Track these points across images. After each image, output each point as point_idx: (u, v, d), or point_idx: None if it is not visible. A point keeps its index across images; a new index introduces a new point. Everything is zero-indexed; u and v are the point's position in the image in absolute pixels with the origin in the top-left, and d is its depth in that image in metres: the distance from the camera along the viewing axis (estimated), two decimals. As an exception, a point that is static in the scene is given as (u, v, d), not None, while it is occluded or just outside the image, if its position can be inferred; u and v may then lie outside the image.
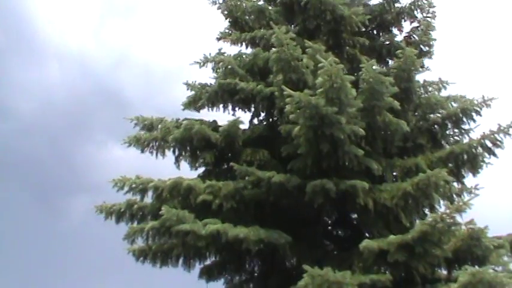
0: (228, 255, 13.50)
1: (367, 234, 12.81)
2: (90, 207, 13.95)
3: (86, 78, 42.21)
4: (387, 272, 11.33)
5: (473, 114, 13.86)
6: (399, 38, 15.70)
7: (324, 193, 11.60)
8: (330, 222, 14.11)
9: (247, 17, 15.52)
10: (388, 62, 15.29)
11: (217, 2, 15.75)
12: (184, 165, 14.39)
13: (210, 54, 14.91)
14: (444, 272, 12.06)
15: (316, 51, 12.62)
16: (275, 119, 13.98)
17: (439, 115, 14.27)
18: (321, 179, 11.60)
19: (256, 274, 14.17)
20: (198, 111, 14.77)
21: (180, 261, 13.68)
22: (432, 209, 12.69)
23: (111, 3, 44.30)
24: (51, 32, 41.50)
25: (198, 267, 14.05)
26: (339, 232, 14.46)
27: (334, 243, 14.14)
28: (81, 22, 44.58)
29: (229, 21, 15.86)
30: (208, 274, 14.22)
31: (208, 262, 14.14)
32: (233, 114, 14.49)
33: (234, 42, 15.41)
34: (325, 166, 11.98)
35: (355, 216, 13.69)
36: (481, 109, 13.80)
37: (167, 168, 14.54)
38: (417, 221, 12.23)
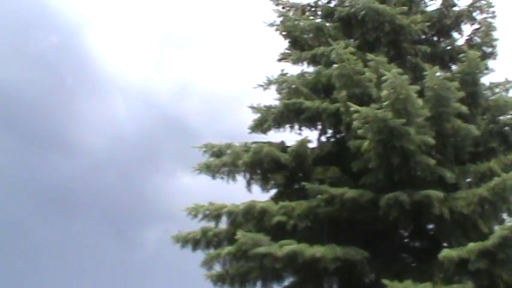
0: (305, 275, 13.37)
1: (445, 244, 12.54)
2: (164, 236, 14.18)
3: (150, 110, 43.06)
4: (469, 281, 11.13)
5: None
6: (460, 42, 15.50)
7: (398, 205, 11.47)
8: (406, 234, 13.86)
9: (305, 36, 15.50)
10: (451, 68, 15.03)
11: (274, 24, 15.79)
12: (255, 188, 14.48)
13: (272, 76, 15.00)
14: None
15: (378, 64, 12.55)
16: (342, 135, 13.88)
17: (509, 116, 13.96)
18: (394, 191, 11.50)
19: (335, 292, 14.04)
20: (265, 133, 14.83)
21: (258, 284, 13.70)
22: (510, 213, 12.42)
23: (169, 35, 45.04)
24: (113, 68, 42.54)
25: (276, 288, 14.02)
26: (416, 244, 14.19)
27: (412, 256, 13.88)
28: (141, 56, 45.49)
29: (288, 42, 15.89)
30: (287, 295, 14.18)
31: (286, 283, 14.05)
32: (300, 134, 14.46)
33: (295, 61, 15.41)
34: (397, 178, 11.86)
35: (431, 226, 13.42)
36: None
37: (237, 192, 14.67)
38: (496, 227, 11.92)
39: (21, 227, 37.05)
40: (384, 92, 11.42)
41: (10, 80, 37.78)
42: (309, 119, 13.99)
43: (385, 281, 10.22)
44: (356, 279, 12.92)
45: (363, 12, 14.08)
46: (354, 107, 11.58)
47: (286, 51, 15.90)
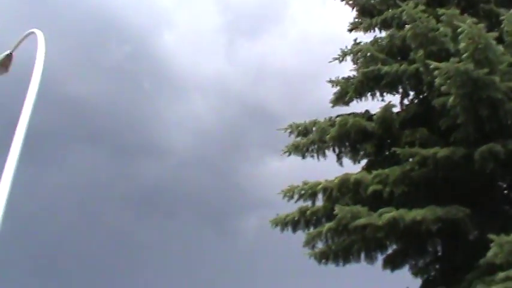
0: (408, 241, 13.29)
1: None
2: (261, 223, 14.31)
3: (229, 101, 43.49)
4: None
5: None
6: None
7: (493, 157, 11.18)
8: (505, 186, 13.50)
9: (373, 1, 15.35)
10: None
11: (340, -4, 15.70)
12: (346, 161, 14.49)
13: (346, 47, 14.93)
14: None
15: (451, 17, 12.22)
16: (425, 94, 13.65)
17: None
18: (487, 144, 11.23)
19: (439, 254, 13.85)
20: (348, 105, 14.77)
21: (362, 256, 13.71)
22: None
23: (235, 24, 45.26)
24: (187, 65, 43.07)
25: (380, 258, 13.98)
26: (518, 194, 13.82)
27: (514, 207, 13.54)
28: (211, 49, 45.90)
29: (356, 10, 15.78)
30: (392, 263, 14.13)
31: (389, 252, 14.04)
32: (382, 100, 14.31)
33: (366, 29, 15.27)
34: (488, 130, 11.55)
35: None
36: None
37: (327, 169, 14.68)
38: None
39: (124, 232, 38.34)
40: (462, 45, 11.13)
41: (91, 94, 39.03)
42: (389, 84, 13.83)
43: (492, 236, 9.96)
44: (460, 238, 12.72)
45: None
46: (433, 64, 11.35)
47: (356, 20, 15.78)
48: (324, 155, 14.54)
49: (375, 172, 12.53)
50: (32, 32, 11.11)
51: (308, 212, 13.72)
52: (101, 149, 41.69)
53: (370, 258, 13.70)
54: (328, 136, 13.77)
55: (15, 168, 8.48)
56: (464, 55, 11.05)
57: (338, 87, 14.90)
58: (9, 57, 11.92)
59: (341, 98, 14.78)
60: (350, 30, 15.72)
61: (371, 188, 12.31)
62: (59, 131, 36.32)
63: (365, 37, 15.26)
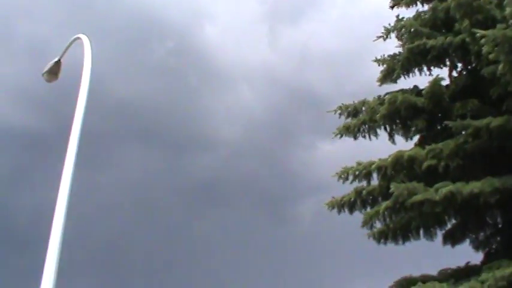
0: (467, 214, 13.17)
1: None
2: (317, 207, 14.32)
3: (275, 88, 43.46)
4: None
5: None
6: None
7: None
8: None
9: (413, -24, 15.13)
10: None
11: (379, -28, 15.53)
12: (398, 139, 14.39)
13: (389, 24, 14.78)
14: None
15: (495, -16, 12.04)
16: (473, 65, 13.43)
17: None
18: (541, 109, 11.01)
19: (500, 226, 13.65)
20: (395, 82, 14.63)
21: (421, 232, 13.62)
22: None
23: (276, 13, 45.12)
24: (231, 56, 43.19)
25: (439, 234, 13.86)
26: None
27: None
28: (254, 38, 45.87)
29: (396, -14, 15.57)
30: (452, 238, 14.01)
31: (448, 227, 13.90)
32: (430, 74, 14.12)
33: (408, 4, 15.06)
34: (541, 95, 11.35)
35: None
36: None
37: (379, 149, 14.60)
38: None
39: (182, 226, 38.84)
40: (508, 10, 10.90)
41: (138, 93, 39.49)
42: (436, 58, 13.66)
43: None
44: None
45: None
46: (479, 33, 11.15)
47: (397, -4, 15.59)
48: (376, 134, 14.47)
49: (428, 147, 12.41)
50: (78, 38, 11.34)
51: (364, 192, 13.70)
52: (153, 146, 42.19)
53: (430, 235, 13.60)
54: (378, 115, 13.69)
55: (72, 171, 8.70)
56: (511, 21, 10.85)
57: (384, 65, 14.79)
58: (58, 64, 12.20)
59: (388, 76, 14.66)
60: (392, 7, 15.53)
61: (425, 164, 12.21)
62: (112, 132, 36.90)
63: (407, 12, 15.10)
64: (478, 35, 11.22)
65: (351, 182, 13.84)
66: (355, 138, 14.69)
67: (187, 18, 41.77)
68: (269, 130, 42.07)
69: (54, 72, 12.24)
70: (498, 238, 13.74)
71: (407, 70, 14.33)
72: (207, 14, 42.91)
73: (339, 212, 14.05)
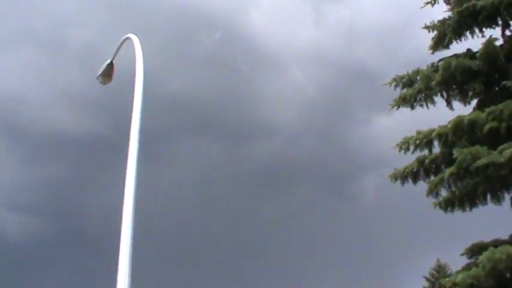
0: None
1: None
2: (379, 181, 14.27)
3: (326, 68, 43.22)
4: None
5: None
6: None
7: None
8: None
9: None
10: None
11: None
12: (455, 104, 14.20)
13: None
14: None
15: None
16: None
17: None
18: None
19: None
20: (448, 47, 14.38)
21: (488, 197, 13.40)
22: None
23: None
24: (279, 40, 43.10)
25: (507, 198, 13.58)
26: None
27: None
28: (300, 20, 45.62)
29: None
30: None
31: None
32: (482, 36, 13.83)
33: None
34: None
35: None
36: None
37: (435, 116, 14.44)
38: None
39: (246, 212, 39.18)
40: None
41: (191, 86, 39.85)
42: (487, 18, 13.38)
43: None
44: None
45: None
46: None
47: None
48: (433, 101, 14.30)
49: (488, 110, 12.20)
50: (128, 38, 11.49)
51: (426, 161, 13.56)
52: (211, 137, 42.61)
53: (497, 199, 13.36)
54: (433, 82, 13.52)
55: (136, 169, 8.85)
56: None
57: (435, 32, 14.54)
58: (110, 66, 12.40)
59: (440, 42, 14.41)
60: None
61: (487, 127, 12.02)
62: (170, 127, 37.42)
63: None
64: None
65: (412, 152, 13.73)
66: (412, 107, 14.54)
67: (231, 7, 41.89)
68: (324, 110, 42.03)
69: (108, 74, 12.43)
70: None
71: (458, 34, 14.08)
72: (251, 0, 42.89)
73: (402, 183, 13.96)
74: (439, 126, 13.07)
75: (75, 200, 38.88)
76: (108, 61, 12.37)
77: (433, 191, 13.55)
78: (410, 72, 14.55)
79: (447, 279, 12.82)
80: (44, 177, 39.54)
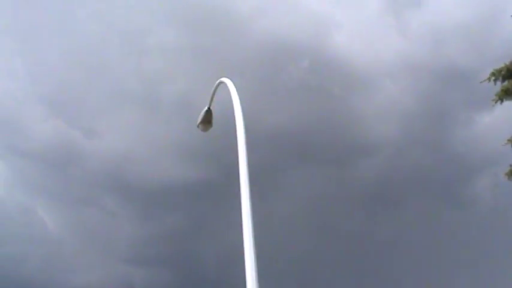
0: None
1: None
2: (493, 180, 13.86)
3: (417, 74, 42.44)
4: None
5: None
6: None
7: None
8: None
9: None
10: None
11: None
12: None
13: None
14: None
15: None
16: None
17: None
18: None
19: None
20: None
21: None
22: None
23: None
24: (366, 56, 42.91)
25: None
26: None
27: None
28: (382, 32, 45.24)
29: None
30: None
31: None
32: None
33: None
34: None
35: None
36: None
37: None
38: None
39: (362, 232, 38.86)
40: None
41: (288, 117, 40.16)
42: None
43: None
44: None
45: None
46: None
47: None
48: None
49: None
50: (221, 82, 11.78)
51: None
52: (315, 164, 42.61)
53: None
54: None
55: (250, 208, 8.97)
56: None
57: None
58: (208, 112, 12.72)
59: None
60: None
61: None
62: (274, 160, 37.77)
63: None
64: None
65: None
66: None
67: (313, 33, 42.01)
68: (423, 117, 41.20)
69: (207, 120, 12.75)
70: None
71: None
72: (331, 23, 42.84)
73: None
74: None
75: (192, 247, 39.72)
76: (206, 108, 12.70)
77: None
78: (508, 63, 14.18)
79: None
80: (160, 229, 40.68)
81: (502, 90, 14.09)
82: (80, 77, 41.15)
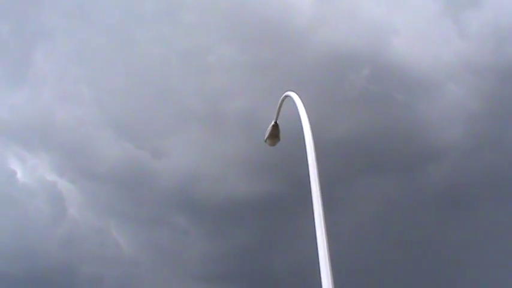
0: None
1: None
2: None
3: (482, 75, 41.76)
4: None
5: None
6: None
7: None
8: None
9: None
10: None
11: None
12: None
13: None
14: None
15: None
16: None
17: None
18: None
19: None
20: None
21: None
22: None
23: (453, 1, 43.61)
24: (427, 60, 42.46)
25: None
26: None
27: None
28: (442, 34, 44.68)
29: None
30: None
31: None
32: None
33: None
34: None
35: None
36: None
37: None
38: None
39: (436, 240, 38.38)
40: None
41: (355, 126, 40.11)
42: None
43: None
44: None
45: None
46: None
47: None
48: None
49: None
50: (287, 96, 11.89)
51: None
52: (383, 172, 42.32)
53: None
54: None
55: (323, 220, 9.02)
56: None
57: None
58: (275, 126, 12.84)
59: None
60: None
61: None
62: (342, 172, 37.75)
63: None
64: None
65: None
66: None
67: (371, 42, 41.79)
68: (489, 118, 40.40)
69: (275, 135, 12.87)
70: None
71: None
72: (388, 29, 42.51)
73: None
74: None
75: (263, 261, 39.93)
76: (273, 122, 12.83)
77: None
78: None
79: None
80: (231, 245, 41.07)
81: None
82: (144, 99, 42.01)
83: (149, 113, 42.34)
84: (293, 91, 11.72)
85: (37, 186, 42.34)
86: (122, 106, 42.41)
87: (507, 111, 40.20)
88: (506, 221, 37.32)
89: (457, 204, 40.17)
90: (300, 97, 11.28)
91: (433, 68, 41.78)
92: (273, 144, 13.00)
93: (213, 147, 41.56)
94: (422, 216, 40.16)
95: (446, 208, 40.48)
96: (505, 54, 39.69)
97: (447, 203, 40.30)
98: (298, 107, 10.81)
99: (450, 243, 38.04)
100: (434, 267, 36.75)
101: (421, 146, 40.91)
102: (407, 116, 41.20)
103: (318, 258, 8.52)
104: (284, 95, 12.09)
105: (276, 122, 12.76)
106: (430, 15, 42.96)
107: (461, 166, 40.89)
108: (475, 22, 41.51)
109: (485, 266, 35.18)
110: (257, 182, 40.03)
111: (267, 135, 12.86)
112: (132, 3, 41.50)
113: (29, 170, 43.17)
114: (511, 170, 39.41)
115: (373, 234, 38.66)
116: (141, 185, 42.68)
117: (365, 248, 37.46)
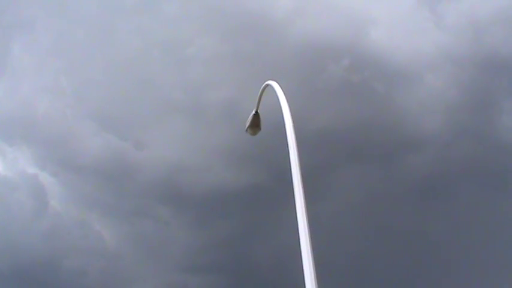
0: None
1: None
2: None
3: (460, 65, 42.00)
4: None
5: None
6: None
7: None
8: None
9: None
10: None
11: None
12: None
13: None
14: None
15: None
16: None
17: None
18: None
19: None
20: None
21: None
22: None
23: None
24: (405, 51, 42.56)
25: None
26: None
27: None
28: (419, 26, 44.77)
29: None
30: None
31: None
32: None
33: None
34: None
35: None
36: None
37: None
38: None
39: (415, 231, 38.65)
40: None
41: (335, 116, 40.14)
42: None
43: None
44: None
45: None
46: None
47: None
48: None
49: None
50: (268, 85, 11.83)
51: None
52: (363, 162, 42.50)
53: None
54: None
55: (305, 210, 8.99)
56: None
57: None
58: (256, 116, 12.78)
59: None
60: None
61: None
62: (324, 161, 37.86)
63: None
64: None
65: None
66: None
67: (350, 33, 41.81)
68: (468, 109, 40.66)
69: (255, 124, 12.81)
70: None
71: None
72: (367, 20, 42.57)
73: None
74: None
75: (246, 252, 39.99)
76: (253, 112, 12.76)
77: None
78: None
79: None
80: (214, 236, 41.04)
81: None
82: (125, 90, 41.78)
83: (131, 104, 42.16)
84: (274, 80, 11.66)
85: (18, 180, 42.04)
86: (102, 98, 42.16)
87: (486, 101, 40.48)
88: (485, 209, 37.63)
89: (438, 194, 40.43)
90: (280, 87, 11.22)
91: (412, 59, 41.92)
92: (254, 133, 12.95)
93: (195, 138, 41.45)
94: (403, 205, 40.38)
95: (426, 197, 40.73)
96: (483, 44, 39.91)
97: (427, 192, 40.56)
98: (279, 96, 10.75)
99: (431, 232, 38.30)
100: (415, 256, 36.98)
101: (401, 135, 41.04)
102: (387, 106, 41.32)
103: (301, 249, 8.51)
104: (265, 84, 12.02)
105: (256, 111, 12.70)
106: (408, 6, 43.12)
107: (441, 156, 41.12)
108: (453, 13, 41.68)
109: (466, 253, 35.41)
110: (240, 172, 40.01)
111: (248, 124, 12.80)
112: (111, -6, 41.30)
113: (10, 163, 42.88)
114: (490, 159, 39.73)
115: (354, 224, 38.84)
116: (124, 177, 42.51)
117: (347, 237, 37.64)
